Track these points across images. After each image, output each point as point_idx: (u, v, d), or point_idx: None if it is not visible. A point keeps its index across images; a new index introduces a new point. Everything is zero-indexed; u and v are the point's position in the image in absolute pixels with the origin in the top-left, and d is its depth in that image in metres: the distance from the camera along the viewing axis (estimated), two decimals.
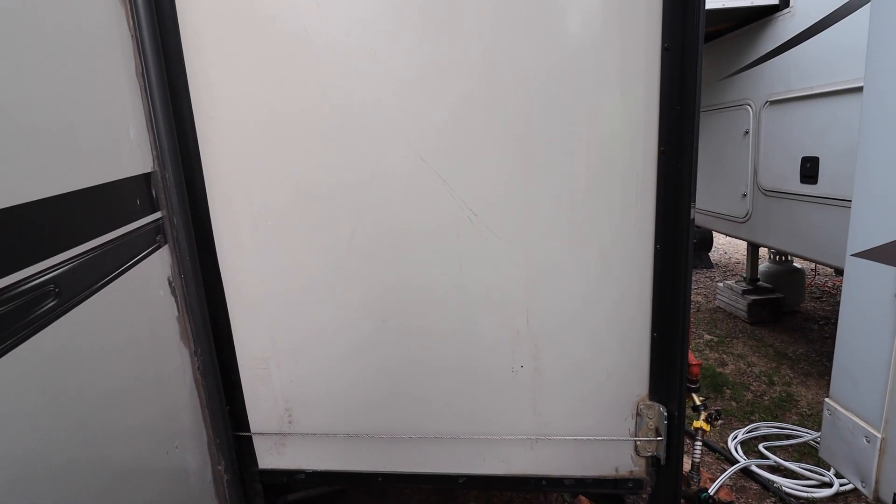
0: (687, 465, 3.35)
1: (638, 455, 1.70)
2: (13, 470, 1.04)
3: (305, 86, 1.54)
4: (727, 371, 4.76)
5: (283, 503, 2.11)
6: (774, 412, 4.06)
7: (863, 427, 1.60)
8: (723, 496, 3.17)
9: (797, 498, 3.07)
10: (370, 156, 1.55)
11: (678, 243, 1.47)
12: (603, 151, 1.51)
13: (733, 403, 4.25)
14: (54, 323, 1.15)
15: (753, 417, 4.01)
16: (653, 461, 1.69)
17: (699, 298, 6.72)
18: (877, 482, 1.56)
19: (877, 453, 1.55)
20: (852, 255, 1.63)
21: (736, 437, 3.72)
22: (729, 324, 5.79)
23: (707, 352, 5.17)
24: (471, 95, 1.51)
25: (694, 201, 1.44)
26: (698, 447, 2.28)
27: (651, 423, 1.65)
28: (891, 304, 1.50)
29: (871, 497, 1.59)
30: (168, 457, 1.51)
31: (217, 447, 1.70)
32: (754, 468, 3.36)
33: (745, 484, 3.32)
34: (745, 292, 5.73)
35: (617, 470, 1.72)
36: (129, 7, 1.40)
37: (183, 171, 1.56)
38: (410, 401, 1.73)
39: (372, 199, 1.58)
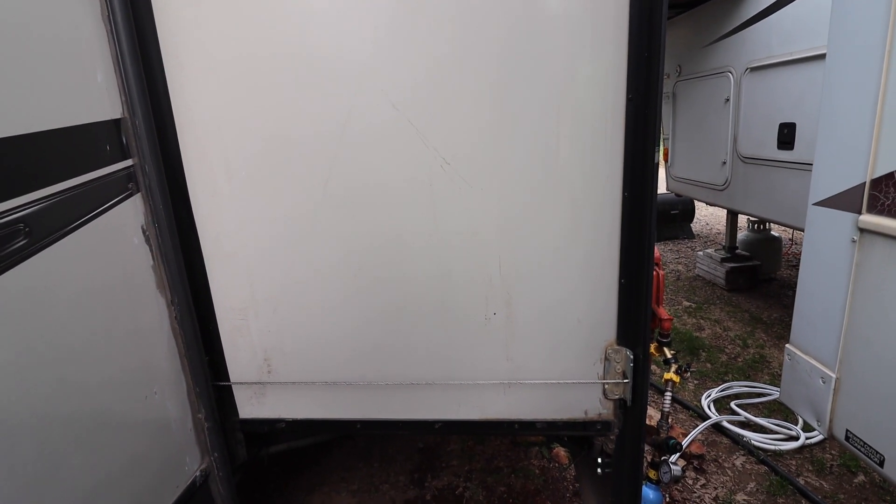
0: (658, 416, 3.50)
1: (606, 398, 1.76)
2: None
3: (278, 32, 1.52)
4: (704, 335, 4.90)
5: (265, 454, 2.16)
6: (747, 373, 4.21)
7: (819, 369, 1.68)
8: (694, 449, 3.32)
9: (765, 450, 3.22)
10: (343, 103, 1.55)
11: (644, 190, 1.50)
12: (573, 99, 1.53)
13: (708, 365, 4.39)
14: (25, 262, 1.16)
15: (727, 378, 4.16)
16: (620, 404, 1.76)
17: (679, 267, 6.85)
18: (831, 421, 1.65)
19: (831, 393, 1.63)
20: (813, 204, 1.68)
21: (709, 396, 3.86)
22: (707, 291, 5.93)
23: (685, 317, 5.30)
24: (444, 45, 1.51)
25: (658, 146, 1.47)
26: (668, 398, 2.36)
27: (618, 366, 1.71)
28: (848, 249, 1.56)
29: (825, 434, 1.68)
30: (147, 402, 1.54)
31: (197, 396, 1.74)
32: (725, 424, 3.51)
33: (717, 439, 3.47)
34: (723, 260, 5.86)
35: (586, 413, 1.79)
36: None
37: (154, 118, 1.55)
38: (387, 349, 1.77)
39: (345, 147, 1.58)
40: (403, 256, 1.67)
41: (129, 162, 1.50)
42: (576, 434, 1.85)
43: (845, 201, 1.53)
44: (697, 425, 3.51)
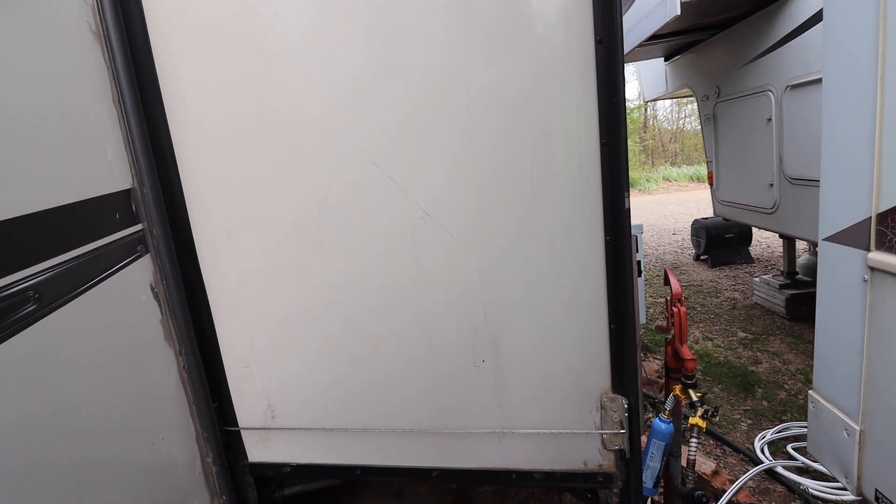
0: (710, 463, 3.25)
1: (606, 449, 1.69)
2: None
3: (268, 105, 1.65)
4: (760, 369, 4.55)
5: (279, 497, 2.22)
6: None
7: (842, 419, 1.53)
8: (743, 498, 3.05)
9: (824, 501, 2.91)
10: (327, 165, 1.65)
11: (623, 233, 1.47)
12: (548, 146, 1.54)
13: (764, 403, 4.06)
14: (34, 325, 1.30)
15: (785, 417, 3.82)
16: (621, 455, 1.68)
17: (736, 295, 6.44)
18: (858, 478, 1.48)
19: (856, 447, 1.47)
20: (824, 240, 1.56)
21: (764, 438, 3.56)
22: (766, 320, 5.52)
23: (740, 350, 4.95)
24: (419, 104, 1.57)
25: (628, 190, 1.44)
26: (693, 444, 2.21)
27: (615, 415, 1.64)
28: (860, 289, 1.43)
29: (854, 493, 1.51)
30: (153, 448, 1.64)
31: (205, 440, 1.83)
32: (780, 469, 3.21)
33: (770, 486, 3.18)
34: (782, 286, 5.47)
35: (586, 464, 1.72)
36: (103, 41, 1.56)
37: (162, 186, 1.71)
38: (380, 397, 1.80)
39: (332, 205, 1.67)
40: (390, 306, 1.71)
41: (138, 227, 1.66)
42: (576, 486, 1.78)
43: (853, 237, 1.41)
44: (748, 470, 3.23)
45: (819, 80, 3.79)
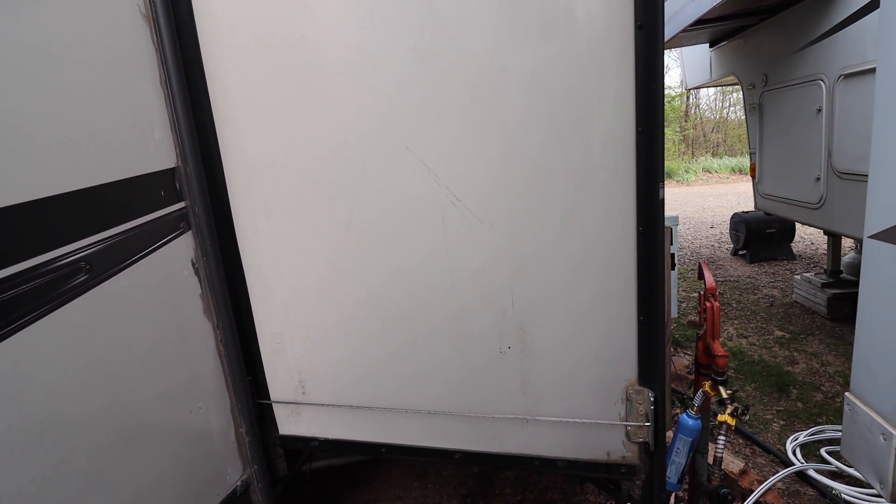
0: (738, 462, 3.19)
1: (629, 441, 1.68)
2: (50, 416, 1.28)
3: (308, 89, 1.68)
4: (797, 370, 4.41)
5: (307, 469, 2.30)
6: None
7: (880, 423, 1.48)
8: (771, 499, 2.99)
9: None
10: (362, 148, 1.67)
11: (656, 225, 1.44)
12: (583, 133, 1.52)
13: (799, 404, 3.95)
14: (85, 294, 1.38)
15: (820, 420, 3.71)
16: (645, 447, 1.68)
17: (775, 292, 6.23)
18: (894, 484, 1.44)
19: (893, 452, 1.43)
20: (869, 237, 1.50)
21: (796, 440, 3.47)
22: (805, 319, 5.33)
23: (776, 349, 4.81)
24: (454, 88, 1.57)
25: (662, 181, 1.41)
26: (721, 442, 2.17)
27: (641, 408, 1.63)
28: None
29: (889, 499, 1.47)
30: (191, 416, 1.73)
31: (239, 411, 1.92)
32: (811, 472, 3.13)
33: (801, 489, 3.11)
34: (824, 285, 5.25)
35: (609, 454, 1.72)
36: (152, 24, 1.62)
37: (204, 166, 1.77)
38: (407, 377, 1.83)
39: (365, 187, 1.69)
40: (419, 289, 1.73)
41: (181, 204, 1.73)
42: (599, 476, 1.78)
43: None
44: (777, 472, 3.16)
45: (875, 70, 3.58)
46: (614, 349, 1.63)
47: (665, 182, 1.45)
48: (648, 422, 1.61)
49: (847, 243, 5.83)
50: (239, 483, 1.93)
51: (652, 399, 1.59)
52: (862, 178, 3.87)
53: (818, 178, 4.41)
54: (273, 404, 2.02)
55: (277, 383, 1.99)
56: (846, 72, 3.88)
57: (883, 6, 1.47)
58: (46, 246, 1.29)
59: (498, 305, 1.67)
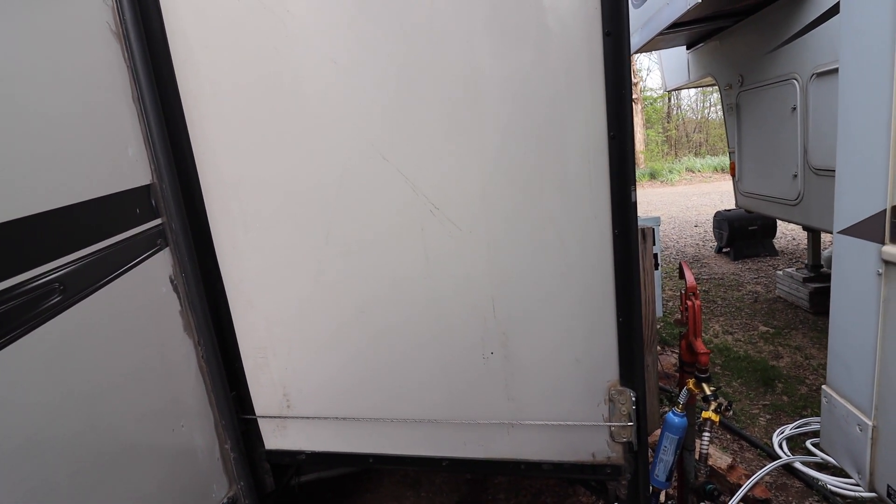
0: (725, 458, 3.22)
1: (614, 441, 1.70)
2: (26, 443, 1.26)
3: (283, 102, 1.69)
4: (782, 364, 4.47)
5: (295, 483, 2.28)
6: None
7: (855, 415, 1.51)
8: (758, 493, 3.02)
9: (843, 497, 2.86)
10: (339, 159, 1.68)
11: (630, 228, 1.47)
12: (556, 140, 1.54)
13: (784, 398, 4.00)
14: (59, 315, 1.36)
15: (805, 412, 3.76)
16: (629, 447, 1.69)
17: (759, 288, 6.31)
18: (871, 473, 1.46)
19: (869, 442, 1.45)
20: (838, 233, 1.53)
21: (782, 433, 3.51)
22: (789, 314, 5.41)
23: (761, 344, 4.87)
24: (425, 99, 1.59)
25: (634, 184, 1.43)
26: (706, 439, 2.20)
27: (623, 408, 1.65)
28: (875, 283, 1.40)
29: (866, 489, 1.49)
30: (174, 435, 1.71)
31: (224, 428, 1.90)
32: (798, 465, 3.16)
33: (788, 482, 3.14)
34: (806, 280, 5.34)
35: (594, 456, 1.73)
36: (123, 41, 1.62)
37: (180, 182, 1.76)
38: (391, 387, 1.83)
39: (342, 199, 1.70)
40: (402, 298, 1.74)
41: (158, 221, 1.71)
42: (586, 478, 1.79)
43: (868, 230, 1.38)
44: (765, 466, 3.20)
45: None
46: (595, 351, 1.64)
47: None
48: (631, 422, 1.63)
49: (827, 238, 5.93)
50: (225, 500, 1.91)
51: (634, 399, 1.60)
52: None
53: (795, 175, 4.49)
54: (258, 419, 2.00)
55: (262, 398, 1.98)
56: (818, 71, 3.97)
57: (843, 11, 1.51)
58: (18, 268, 1.27)
59: (480, 312, 1.68)
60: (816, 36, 3.97)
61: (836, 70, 3.77)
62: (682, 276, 2.51)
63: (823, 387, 1.68)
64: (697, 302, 2.34)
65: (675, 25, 4.95)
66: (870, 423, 1.43)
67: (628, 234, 1.49)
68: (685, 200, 14.02)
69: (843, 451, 1.57)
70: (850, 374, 1.53)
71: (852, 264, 1.49)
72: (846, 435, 1.54)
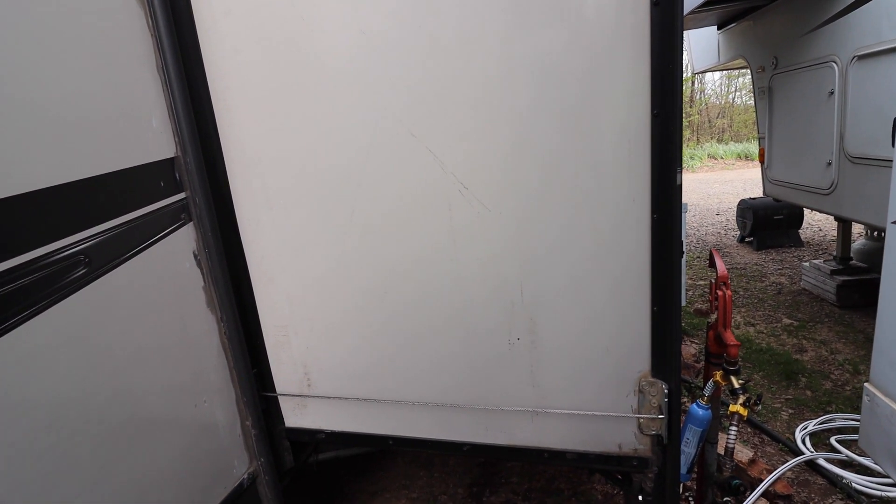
0: (747, 452, 3.16)
1: (642, 433, 1.65)
2: (53, 414, 1.26)
3: (308, 75, 1.63)
4: (806, 358, 4.37)
5: (313, 461, 2.29)
6: (856, 403, 3.68)
7: None
8: (780, 488, 2.96)
9: (868, 496, 2.80)
10: (365, 136, 1.62)
11: (672, 212, 1.40)
12: (593, 117, 1.46)
13: (808, 393, 3.91)
14: (84, 288, 1.34)
15: (830, 409, 3.67)
16: (658, 440, 1.64)
17: (782, 280, 6.17)
18: None
19: None
20: (892, 223, 1.45)
21: (805, 429, 3.44)
22: (814, 307, 5.27)
23: (784, 337, 4.77)
24: (455, 75, 1.52)
25: (680, 165, 1.36)
26: (733, 432, 2.14)
27: (654, 400, 1.60)
28: None
29: None
30: (196, 410, 1.71)
31: (245, 405, 1.89)
32: (821, 461, 3.10)
33: (810, 478, 3.08)
34: (833, 272, 5.19)
35: (620, 447, 1.69)
36: (147, 9, 1.57)
37: (204, 156, 1.72)
38: (414, 369, 1.80)
39: (368, 176, 1.65)
40: (426, 279, 1.69)
41: (182, 195, 1.68)
42: (610, 469, 1.75)
43: None
44: (787, 461, 3.13)
45: (891, 51, 3.49)
46: (627, 340, 1.59)
47: (682, 166, 1.40)
48: (662, 414, 1.58)
49: (857, 229, 5.75)
50: (245, 476, 1.91)
51: (666, 391, 1.55)
52: (875, 162, 3.79)
53: (829, 163, 4.33)
54: (279, 397, 1.99)
55: (283, 376, 1.96)
56: (860, 53, 3.78)
57: None
58: (44, 239, 1.25)
59: (507, 296, 1.63)
60: (859, 16, 3.78)
61: (879, 52, 3.59)
62: (711, 264, 2.43)
63: (866, 384, 1.61)
64: (728, 292, 2.27)
65: (709, 3, 4.76)
66: None
67: (669, 220, 1.42)
68: (706, 188, 13.72)
69: (885, 451, 1.51)
70: None
71: None
72: (889, 436, 1.48)
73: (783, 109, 5.06)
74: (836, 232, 5.45)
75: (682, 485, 2.34)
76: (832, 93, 4.16)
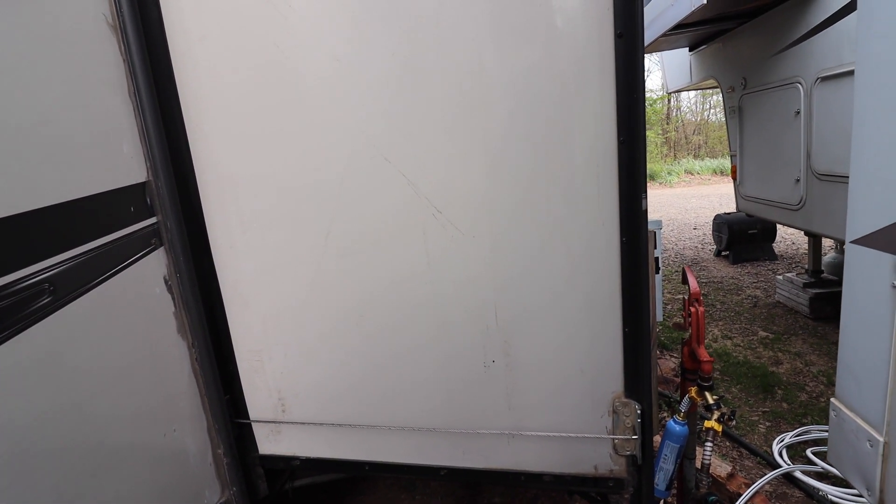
0: (725, 466, 3.19)
1: (617, 454, 1.66)
2: (14, 448, 1.21)
3: (283, 99, 1.64)
4: (781, 370, 4.45)
5: (289, 488, 2.24)
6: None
7: (865, 430, 1.47)
8: (759, 502, 2.99)
9: None
10: (340, 160, 1.63)
11: (639, 235, 1.42)
12: (564, 144, 1.50)
13: (784, 405, 3.98)
14: (49, 317, 1.31)
15: (805, 420, 3.73)
16: (633, 461, 1.65)
17: (758, 293, 6.29)
18: (881, 491, 1.43)
19: (879, 458, 1.42)
20: (851, 243, 1.50)
21: (782, 441, 3.48)
22: (788, 319, 5.39)
23: (760, 349, 4.85)
24: (429, 99, 1.54)
25: (645, 191, 1.39)
26: (708, 448, 2.16)
27: (628, 420, 1.61)
28: (889, 295, 1.36)
29: None
30: (166, 439, 1.67)
31: (216, 432, 1.85)
32: (798, 474, 3.14)
33: (788, 491, 3.12)
34: (806, 285, 5.32)
35: (596, 468, 1.69)
36: (120, 34, 1.56)
37: (176, 180, 1.71)
38: (390, 393, 1.79)
39: (343, 201, 1.65)
40: (402, 303, 1.69)
41: (153, 220, 1.66)
42: (587, 490, 1.75)
43: (883, 241, 1.34)
44: (765, 474, 3.17)
45: (851, 73, 3.64)
46: (600, 361, 1.60)
47: (648, 184, 1.43)
48: (636, 434, 1.59)
49: (827, 243, 5.92)
50: None
51: (639, 411, 1.57)
52: (840, 179, 3.93)
53: (798, 180, 4.46)
54: (252, 423, 1.96)
55: (256, 402, 1.93)
56: (823, 74, 3.94)
57: (861, 16, 1.47)
58: (5, 269, 1.22)
59: (482, 319, 1.64)
60: (822, 39, 3.94)
61: (841, 74, 3.74)
62: (685, 280, 2.47)
63: (832, 399, 1.65)
64: (701, 308, 2.31)
65: (680, 26, 4.91)
66: (881, 439, 1.40)
67: (637, 243, 1.45)
68: (684, 202, 14.01)
69: (852, 466, 1.54)
70: (861, 389, 1.50)
71: (865, 275, 1.46)
72: (855, 450, 1.51)
73: (753, 128, 5.22)
74: (807, 245, 5.60)
75: (662, 501, 2.35)
76: (798, 112, 4.31)
